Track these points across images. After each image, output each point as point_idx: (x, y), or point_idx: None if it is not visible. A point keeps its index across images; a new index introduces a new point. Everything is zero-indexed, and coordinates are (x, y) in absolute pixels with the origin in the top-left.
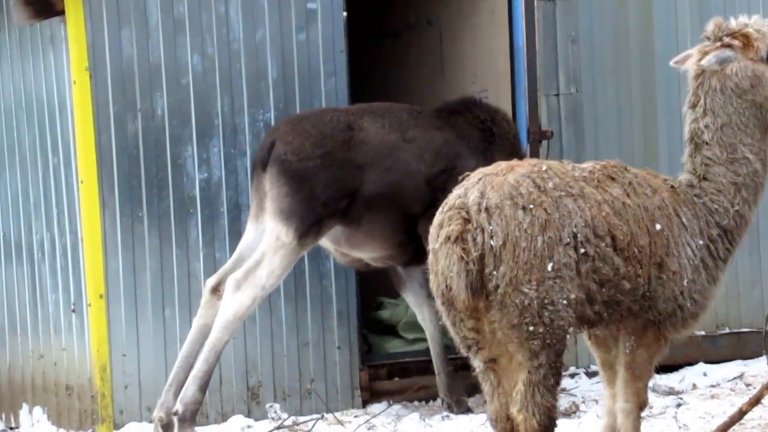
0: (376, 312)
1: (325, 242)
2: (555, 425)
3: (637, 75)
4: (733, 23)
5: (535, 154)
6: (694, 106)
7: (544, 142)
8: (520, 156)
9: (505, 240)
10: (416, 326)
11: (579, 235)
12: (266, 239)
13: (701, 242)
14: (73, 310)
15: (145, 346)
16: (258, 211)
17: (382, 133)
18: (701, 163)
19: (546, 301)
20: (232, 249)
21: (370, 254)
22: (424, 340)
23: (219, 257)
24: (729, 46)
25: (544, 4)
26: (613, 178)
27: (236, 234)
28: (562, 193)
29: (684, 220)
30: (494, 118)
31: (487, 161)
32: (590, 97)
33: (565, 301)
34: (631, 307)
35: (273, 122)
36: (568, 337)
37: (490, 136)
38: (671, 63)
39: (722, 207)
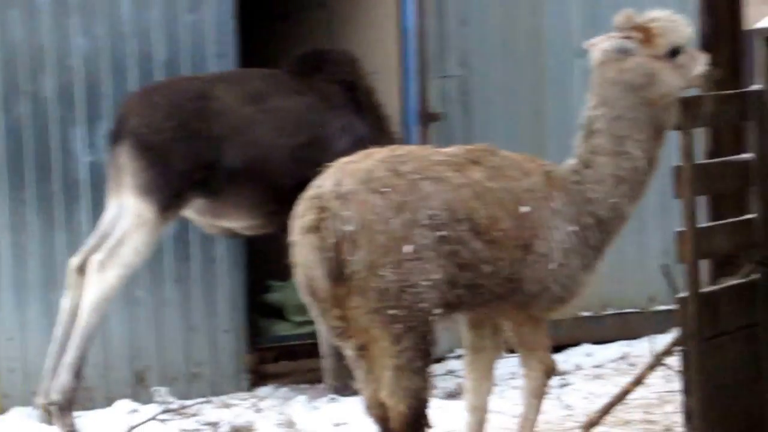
0: (264, 295)
1: (190, 214)
2: (425, 407)
3: (527, 57)
4: (642, 16)
5: (424, 135)
6: (591, 94)
7: (434, 124)
8: (384, 114)
9: (361, 225)
10: (304, 309)
11: (436, 218)
12: (127, 216)
13: (574, 228)
14: None
15: (31, 330)
16: (116, 186)
17: (238, 104)
18: (588, 151)
19: (405, 284)
20: None
21: (238, 224)
22: (312, 323)
23: None
24: (630, 38)
25: None
26: (476, 162)
27: None
28: (420, 177)
29: (556, 204)
30: (354, 71)
31: (355, 121)
32: (480, 79)
33: (426, 283)
34: (494, 290)
35: None
36: (432, 319)
37: (353, 94)
38: (584, 45)
39: (600, 197)
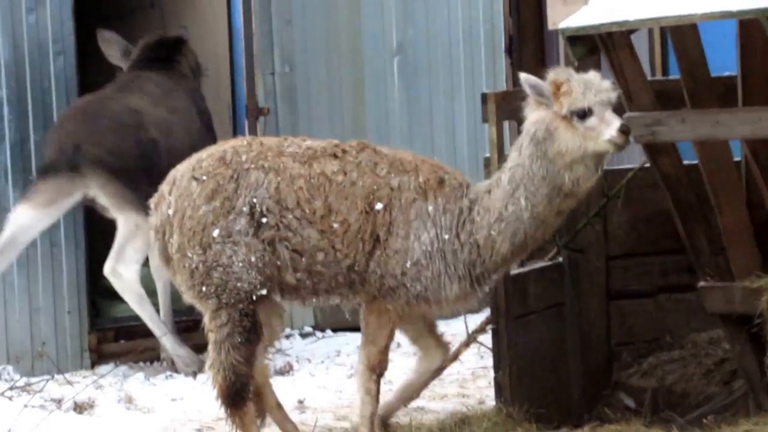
0: (105, 279)
1: None
2: (243, 381)
3: (347, 56)
4: (561, 73)
5: (252, 129)
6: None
7: (261, 118)
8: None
9: (175, 209)
10: None
11: (258, 206)
12: (125, 229)
13: (446, 236)
14: None
15: None
16: (48, 202)
17: (157, 111)
18: (494, 179)
19: (214, 264)
20: None
21: None
22: (151, 303)
23: None
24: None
25: None
26: (335, 156)
27: None
28: (251, 167)
29: (430, 208)
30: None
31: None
32: (303, 76)
33: (241, 264)
34: (337, 278)
35: (5, 100)
36: (253, 298)
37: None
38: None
39: (481, 223)
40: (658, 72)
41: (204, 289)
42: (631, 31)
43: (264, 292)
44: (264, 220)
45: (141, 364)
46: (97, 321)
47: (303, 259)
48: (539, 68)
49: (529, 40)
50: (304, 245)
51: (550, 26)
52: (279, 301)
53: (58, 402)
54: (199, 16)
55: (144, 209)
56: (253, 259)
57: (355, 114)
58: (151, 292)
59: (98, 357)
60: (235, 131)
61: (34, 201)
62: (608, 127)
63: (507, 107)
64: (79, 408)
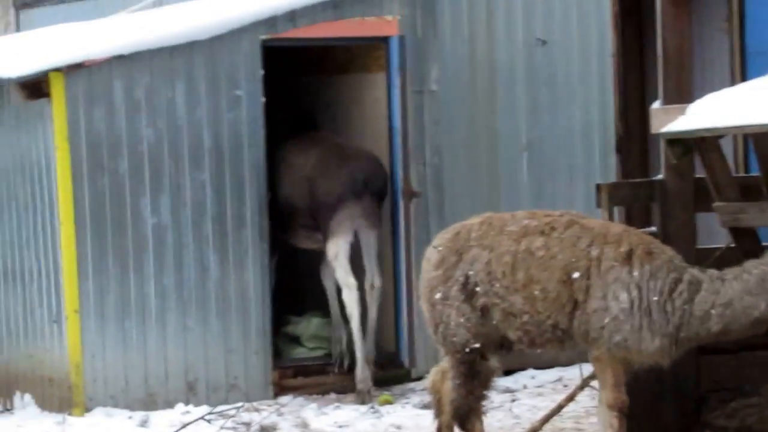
0: (285, 327)
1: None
2: (464, 412)
3: (484, 150)
4: None
5: (407, 208)
6: None
7: (414, 200)
8: None
9: (423, 268)
10: (316, 338)
11: (473, 277)
12: (374, 243)
13: (654, 297)
14: (55, 321)
15: (109, 349)
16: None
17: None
18: (735, 270)
19: (438, 320)
20: (177, 277)
21: None
22: (322, 348)
23: (166, 283)
24: None
25: (415, 95)
26: (542, 233)
27: (179, 266)
28: (474, 244)
29: (635, 273)
30: None
31: None
32: (449, 166)
33: (454, 323)
34: (545, 334)
35: (208, 182)
36: (468, 350)
37: None
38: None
39: (704, 300)
40: (741, 169)
41: (435, 337)
42: (720, 136)
43: (477, 345)
44: (477, 289)
45: (314, 396)
46: (279, 360)
47: (515, 320)
48: (644, 165)
49: (636, 142)
50: (512, 309)
51: (653, 130)
52: (503, 353)
53: (247, 425)
54: (366, 116)
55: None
56: (462, 320)
57: (491, 198)
58: (323, 338)
59: (280, 389)
60: (393, 208)
61: (353, 228)
62: None
63: (616, 196)
64: (264, 430)
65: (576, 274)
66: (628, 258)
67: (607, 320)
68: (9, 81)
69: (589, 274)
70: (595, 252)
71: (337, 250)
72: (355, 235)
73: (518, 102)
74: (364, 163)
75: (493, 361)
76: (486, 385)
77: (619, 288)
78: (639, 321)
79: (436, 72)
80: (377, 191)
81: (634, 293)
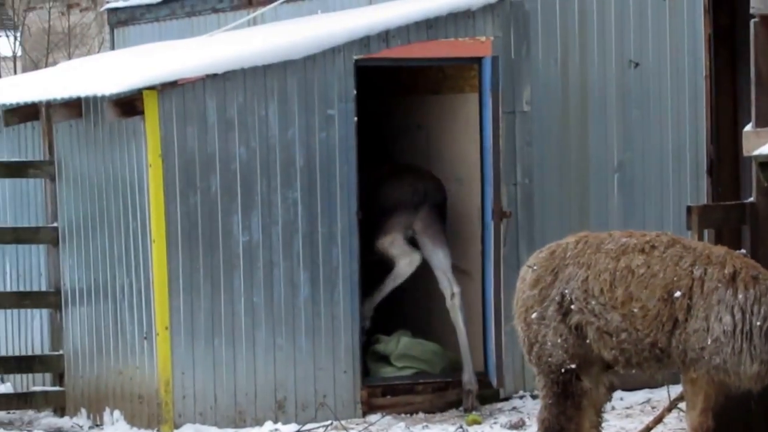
0: (374, 345)
1: None
2: (552, 427)
3: (575, 171)
4: None
5: (497, 228)
6: None
7: (504, 220)
8: None
9: (518, 288)
10: (404, 357)
11: (568, 296)
12: (445, 255)
13: (758, 323)
14: (145, 338)
15: (199, 366)
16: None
17: None
18: None
19: (533, 340)
20: (267, 295)
21: None
22: (411, 367)
23: (256, 301)
24: None
25: (507, 116)
26: (642, 251)
27: (269, 284)
28: (570, 262)
29: (740, 297)
30: None
31: None
32: (539, 187)
33: (550, 343)
34: (643, 353)
35: (300, 200)
36: (564, 371)
37: None
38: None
39: None
40: None
41: (529, 357)
42: None
43: (573, 366)
44: (572, 307)
45: (402, 415)
46: (368, 379)
47: (612, 339)
48: (735, 188)
49: (727, 164)
50: (608, 327)
51: (745, 153)
52: (597, 373)
53: None
54: (458, 137)
55: None
56: (558, 340)
57: (581, 219)
58: (412, 358)
59: (368, 408)
60: (483, 228)
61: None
62: None
63: (707, 218)
64: None
65: (678, 293)
66: (732, 280)
67: (708, 342)
68: (103, 98)
69: (691, 294)
70: (698, 272)
71: (393, 240)
72: (420, 249)
73: (610, 123)
74: (425, 176)
75: (587, 382)
76: (578, 405)
77: (723, 310)
78: (740, 344)
79: (528, 93)
80: (436, 204)
81: (738, 316)
